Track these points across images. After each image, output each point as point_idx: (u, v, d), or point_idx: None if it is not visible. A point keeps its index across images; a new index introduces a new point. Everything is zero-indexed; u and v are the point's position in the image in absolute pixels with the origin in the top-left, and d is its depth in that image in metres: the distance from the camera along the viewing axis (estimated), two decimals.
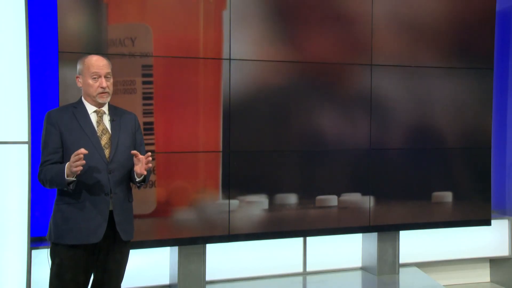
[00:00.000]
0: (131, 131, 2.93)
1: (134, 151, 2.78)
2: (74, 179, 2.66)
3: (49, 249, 2.85)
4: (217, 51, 3.98)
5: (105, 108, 2.87)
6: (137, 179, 2.85)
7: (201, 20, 3.93)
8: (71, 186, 2.67)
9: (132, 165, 2.86)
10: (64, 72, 3.56)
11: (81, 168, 2.61)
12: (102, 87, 2.80)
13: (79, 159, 2.59)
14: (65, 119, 2.79)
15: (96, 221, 2.73)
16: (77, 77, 2.85)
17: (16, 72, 3.59)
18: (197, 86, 3.94)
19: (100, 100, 2.82)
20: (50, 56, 3.87)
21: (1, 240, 3.56)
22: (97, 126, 2.82)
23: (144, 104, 3.79)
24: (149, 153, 2.79)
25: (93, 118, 2.83)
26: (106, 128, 2.84)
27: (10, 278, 3.57)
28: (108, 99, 2.86)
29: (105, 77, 2.81)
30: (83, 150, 2.60)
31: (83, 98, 2.86)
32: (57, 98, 3.59)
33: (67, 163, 2.65)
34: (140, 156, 2.78)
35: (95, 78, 2.79)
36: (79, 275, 2.76)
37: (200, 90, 3.94)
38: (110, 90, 2.85)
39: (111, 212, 2.78)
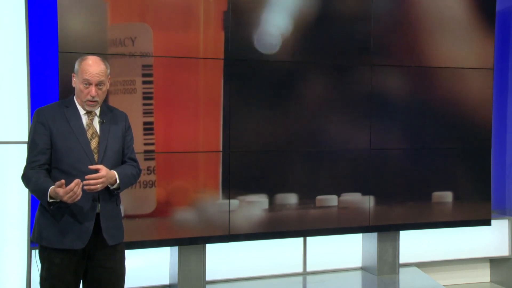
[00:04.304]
0: (120, 133, 2.85)
1: (92, 167, 2.65)
2: (57, 200, 2.60)
3: (37, 251, 2.81)
4: (217, 51, 3.97)
5: (97, 110, 2.80)
6: (111, 187, 2.75)
7: (201, 20, 3.93)
8: (52, 207, 2.62)
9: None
10: (64, 72, 3.55)
11: (77, 199, 2.56)
12: (91, 95, 2.70)
13: (74, 194, 2.53)
14: (56, 119, 2.72)
15: (81, 226, 2.68)
16: (73, 75, 2.77)
17: (16, 72, 3.59)
18: (197, 86, 3.94)
19: (87, 108, 2.74)
20: (50, 56, 3.87)
21: (1, 240, 3.56)
22: (87, 129, 2.75)
23: (144, 104, 3.79)
24: (96, 176, 2.62)
25: (84, 119, 2.77)
26: (96, 132, 2.77)
27: (10, 278, 3.57)
28: (96, 108, 2.77)
29: (97, 85, 2.71)
30: (76, 182, 2.53)
31: (75, 98, 2.79)
32: (57, 98, 3.59)
33: (52, 187, 2.56)
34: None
35: (86, 84, 2.70)
36: (69, 278, 2.72)
37: (200, 90, 3.94)
38: (100, 99, 2.75)
39: (97, 216, 2.72)
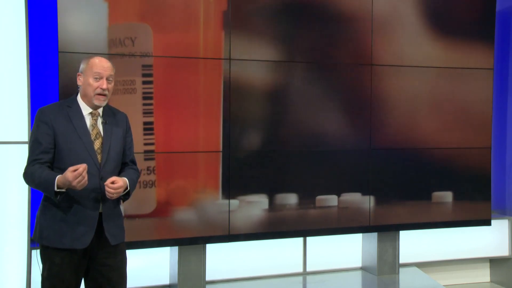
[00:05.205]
0: (122, 134, 2.86)
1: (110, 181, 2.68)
2: (63, 190, 2.61)
3: (38, 251, 2.81)
4: (217, 51, 3.98)
5: (100, 110, 2.81)
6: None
7: (201, 20, 3.93)
8: (58, 197, 2.62)
9: (120, 172, 2.85)
10: (64, 72, 3.56)
11: (85, 185, 2.58)
12: (101, 88, 2.73)
13: (83, 179, 2.55)
14: (59, 119, 2.72)
15: (84, 227, 2.68)
16: (78, 75, 2.79)
17: (16, 72, 3.59)
18: (197, 86, 3.94)
19: (96, 102, 2.75)
20: (50, 56, 3.87)
21: (1, 240, 3.56)
22: (91, 130, 2.75)
23: (144, 104, 3.79)
24: (111, 180, 2.68)
25: (88, 120, 2.77)
26: (100, 132, 2.77)
27: (10, 278, 3.57)
28: (105, 103, 2.79)
29: (107, 79, 2.75)
30: (84, 166, 2.56)
31: (78, 98, 2.79)
32: (57, 98, 3.59)
33: (59, 176, 2.58)
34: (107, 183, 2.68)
35: (96, 78, 2.73)
36: (70, 278, 2.71)
37: (200, 90, 3.94)
38: (109, 93, 2.78)
39: (100, 216, 2.73)
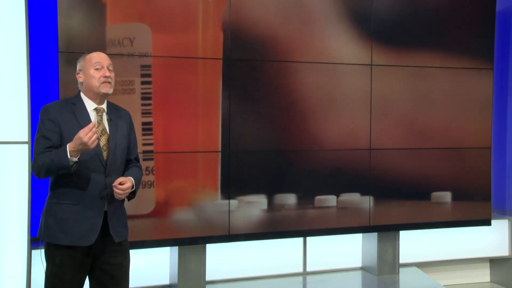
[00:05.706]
0: (126, 131, 2.88)
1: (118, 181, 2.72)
2: (76, 159, 2.60)
3: (43, 250, 2.80)
4: (216, 51, 3.98)
5: (104, 106, 2.82)
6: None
7: (201, 20, 3.93)
8: (74, 167, 2.60)
9: (124, 169, 2.86)
10: (64, 72, 3.56)
11: (96, 141, 2.59)
12: (105, 76, 2.75)
13: (93, 134, 2.54)
14: (65, 116, 2.72)
15: (89, 224, 2.69)
16: (77, 73, 2.80)
17: (16, 72, 3.60)
18: (196, 86, 3.94)
19: (104, 90, 2.75)
20: (50, 56, 3.87)
21: (1, 240, 3.56)
22: (97, 126, 2.75)
23: (143, 104, 3.79)
24: (119, 181, 2.72)
25: (93, 116, 2.77)
26: (105, 129, 2.78)
27: (10, 278, 3.58)
28: (111, 90, 2.80)
29: (108, 68, 2.78)
30: (93, 123, 2.58)
31: (82, 95, 2.80)
32: (57, 98, 3.60)
33: (69, 143, 2.58)
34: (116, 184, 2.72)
35: (98, 68, 2.75)
36: (75, 276, 2.72)
37: (199, 90, 3.95)
38: (112, 81, 2.80)
39: (105, 214, 2.74)
